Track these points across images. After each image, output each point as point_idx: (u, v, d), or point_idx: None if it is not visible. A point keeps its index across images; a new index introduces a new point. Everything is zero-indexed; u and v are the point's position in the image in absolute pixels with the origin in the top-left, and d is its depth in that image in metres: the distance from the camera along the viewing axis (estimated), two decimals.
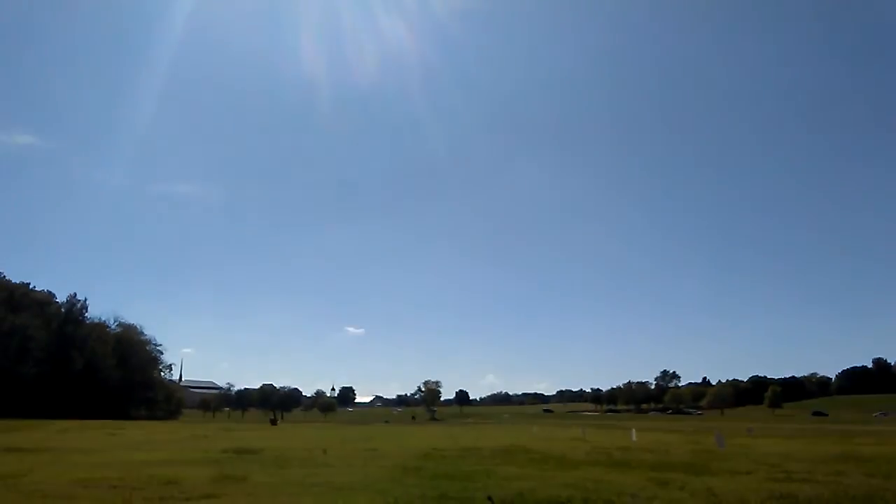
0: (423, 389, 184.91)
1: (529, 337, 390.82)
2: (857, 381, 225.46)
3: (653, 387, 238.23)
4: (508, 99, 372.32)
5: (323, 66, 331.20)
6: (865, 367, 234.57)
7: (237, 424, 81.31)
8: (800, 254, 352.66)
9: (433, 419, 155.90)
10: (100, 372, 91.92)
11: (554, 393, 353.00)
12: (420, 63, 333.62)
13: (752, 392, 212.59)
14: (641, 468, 19.42)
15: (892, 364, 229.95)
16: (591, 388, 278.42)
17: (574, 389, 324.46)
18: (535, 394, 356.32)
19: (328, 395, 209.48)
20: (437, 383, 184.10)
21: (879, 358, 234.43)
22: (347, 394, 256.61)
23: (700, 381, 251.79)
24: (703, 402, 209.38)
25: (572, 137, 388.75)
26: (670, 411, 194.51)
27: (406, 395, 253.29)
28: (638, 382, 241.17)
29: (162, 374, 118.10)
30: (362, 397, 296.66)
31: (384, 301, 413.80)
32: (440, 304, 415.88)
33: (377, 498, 11.94)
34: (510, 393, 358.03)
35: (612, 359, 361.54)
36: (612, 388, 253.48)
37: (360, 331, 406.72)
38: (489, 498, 12.05)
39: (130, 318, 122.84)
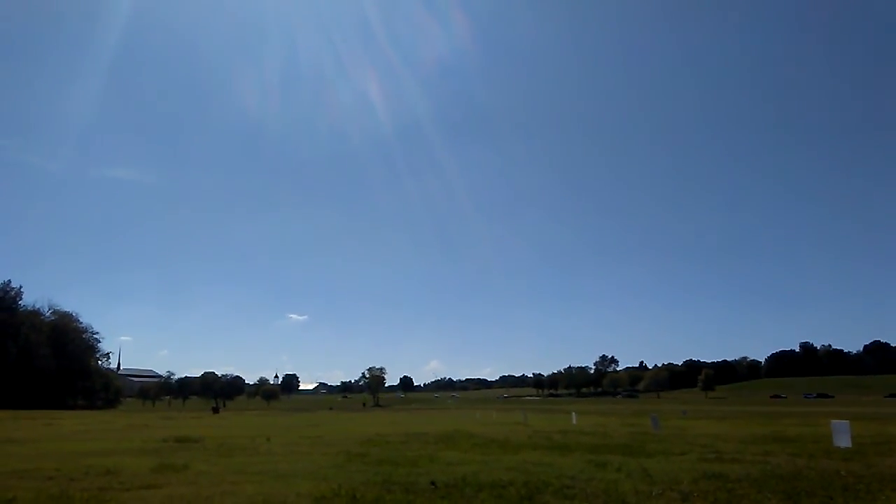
0: (367, 376, 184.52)
1: (473, 323, 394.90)
2: (785, 364, 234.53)
3: (592, 371, 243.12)
4: (460, 88, 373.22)
5: (266, 50, 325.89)
6: (793, 351, 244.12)
7: (178, 413, 79.81)
8: (732, 243, 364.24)
9: (377, 405, 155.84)
10: (34, 361, 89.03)
11: (497, 378, 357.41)
12: (371, 43, 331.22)
13: (687, 375, 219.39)
14: (581, 451, 19.93)
15: (818, 348, 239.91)
16: (533, 374, 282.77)
17: (516, 375, 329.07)
18: (479, 379, 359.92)
19: (271, 382, 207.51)
20: (381, 370, 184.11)
21: (806, 342, 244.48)
22: (291, 381, 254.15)
23: (637, 365, 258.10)
24: (640, 386, 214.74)
25: (520, 128, 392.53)
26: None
27: (350, 381, 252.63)
28: (578, 367, 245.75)
29: (99, 362, 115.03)
30: (306, 385, 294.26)
31: (328, 288, 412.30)
32: (384, 290, 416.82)
33: (321, 484, 11.98)
34: (454, 379, 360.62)
35: (553, 344, 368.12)
36: (554, 373, 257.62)
37: (304, 318, 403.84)
38: (432, 483, 12.24)
39: (66, 305, 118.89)
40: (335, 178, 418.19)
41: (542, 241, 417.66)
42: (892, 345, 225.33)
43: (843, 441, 22.61)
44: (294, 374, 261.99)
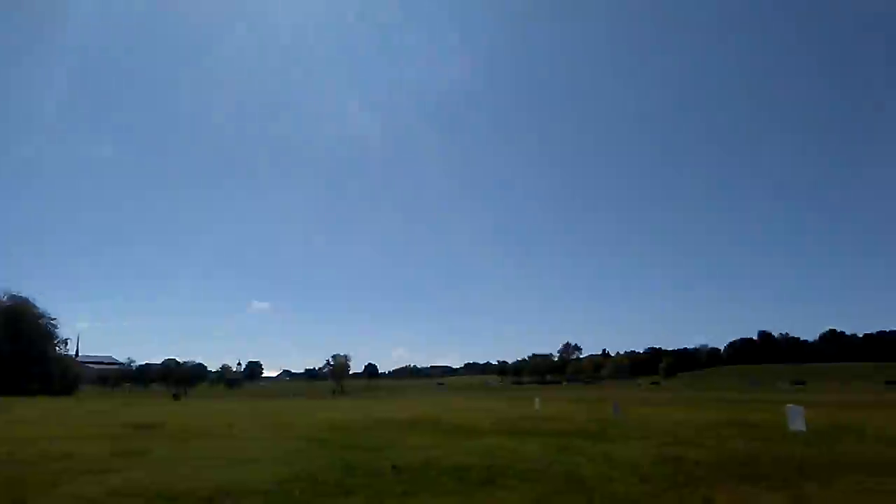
0: (331, 363, 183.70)
1: (438, 311, 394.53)
2: (745, 352, 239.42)
3: (556, 359, 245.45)
4: (436, 72, 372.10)
5: (242, 33, 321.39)
6: (751, 339, 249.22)
7: (138, 400, 78.55)
8: (693, 232, 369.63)
9: (341, 393, 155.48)
10: None
11: (462, 365, 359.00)
12: (342, 27, 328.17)
13: (648, 363, 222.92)
14: (543, 436, 20.14)
15: (776, 336, 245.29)
16: (498, 361, 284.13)
17: (481, 362, 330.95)
18: (444, 367, 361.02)
19: (234, 370, 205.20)
20: (345, 357, 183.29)
21: (764, 330, 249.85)
22: (254, 369, 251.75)
23: (600, 352, 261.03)
24: (603, 373, 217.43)
25: (491, 115, 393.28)
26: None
27: (314, 369, 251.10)
28: (542, 355, 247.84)
29: (57, 348, 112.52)
30: (270, 372, 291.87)
31: (291, 275, 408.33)
32: (349, 277, 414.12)
33: (283, 469, 11.92)
34: (419, 366, 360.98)
35: (517, 332, 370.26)
36: (518, 361, 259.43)
37: (267, 305, 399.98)
38: (394, 466, 12.27)
39: (24, 291, 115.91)
40: (301, 164, 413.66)
41: (508, 229, 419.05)
42: (848, 333, 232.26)
43: (798, 425, 23.24)
44: (257, 362, 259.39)
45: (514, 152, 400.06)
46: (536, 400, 46.48)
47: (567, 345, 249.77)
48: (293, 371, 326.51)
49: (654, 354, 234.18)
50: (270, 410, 42.96)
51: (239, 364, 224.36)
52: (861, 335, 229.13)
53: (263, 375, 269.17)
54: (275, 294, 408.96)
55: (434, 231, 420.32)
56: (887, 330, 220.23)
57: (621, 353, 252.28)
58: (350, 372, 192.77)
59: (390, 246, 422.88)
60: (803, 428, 22.85)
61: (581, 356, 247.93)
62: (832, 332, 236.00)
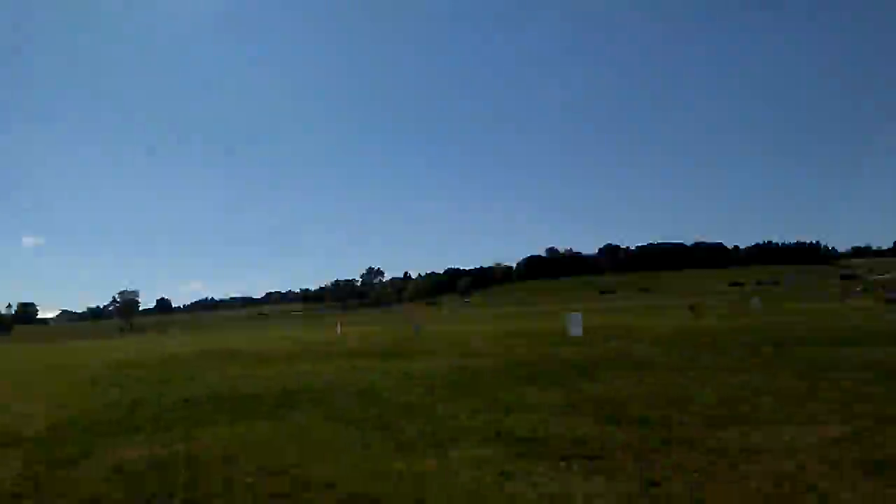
0: (117, 300, 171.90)
1: (234, 239, 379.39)
2: (535, 267, 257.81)
3: (359, 283, 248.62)
4: None
5: None
6: (540, 256, 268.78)
7: None
8: (478, 151, 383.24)
9: (131, 330, 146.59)
10: None
11: (263, 295, 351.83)
12: None
13: (448, 283, 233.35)
14: (342, 358, 20.45)
15: (562, 252, 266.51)
16: (301, 289, 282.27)
17: (283, 291, 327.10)
18: (244, 297, 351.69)
19: (3, 312, 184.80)
20: (134, 293, 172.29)
21: (551, 247, 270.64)
22: (28, 310, 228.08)
23: (402, 275, 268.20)
24: (405, 295, 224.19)
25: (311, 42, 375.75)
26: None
27: (99, 307, 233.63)
28: (345, 280, 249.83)
29: None
30: (46, 313, 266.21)
31: (67, 205, 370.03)
32: (134, 208, 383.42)
33: (57, 413, 11.01)
34: (217, 298, 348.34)
35: (320, 259, 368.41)
36: (321, 288, 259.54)
37: (40, 240, 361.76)
38: (186, 399, 11.82)
39: None
40: (71, 81, 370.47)
41: (303, 148, 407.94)
42: (623, 246, 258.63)
43: (576, 330, 25.65)
44: (31, 303, 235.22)
45: (303, 74, 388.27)
46: (338, 324, 47.01)
47: (370, 269, 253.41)
48: (75, 311, 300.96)
49: (454, 274, 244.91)
50: (46, 354, 39.43)
51: (9, 306, 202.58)
52: (634, 247, 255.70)
53: (39, 317, 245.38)
54: (49, 227, 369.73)
55: (230, 158, 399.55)
56: (656, 242, 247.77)
57: (423, 274, 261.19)
58: (140, 308, 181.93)
59: (180, 170, 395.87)
60: (580, 333, 25.27)
61: (384, 280, 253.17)
62: (609, 245, 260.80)
